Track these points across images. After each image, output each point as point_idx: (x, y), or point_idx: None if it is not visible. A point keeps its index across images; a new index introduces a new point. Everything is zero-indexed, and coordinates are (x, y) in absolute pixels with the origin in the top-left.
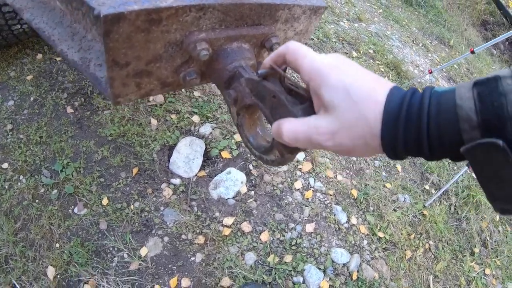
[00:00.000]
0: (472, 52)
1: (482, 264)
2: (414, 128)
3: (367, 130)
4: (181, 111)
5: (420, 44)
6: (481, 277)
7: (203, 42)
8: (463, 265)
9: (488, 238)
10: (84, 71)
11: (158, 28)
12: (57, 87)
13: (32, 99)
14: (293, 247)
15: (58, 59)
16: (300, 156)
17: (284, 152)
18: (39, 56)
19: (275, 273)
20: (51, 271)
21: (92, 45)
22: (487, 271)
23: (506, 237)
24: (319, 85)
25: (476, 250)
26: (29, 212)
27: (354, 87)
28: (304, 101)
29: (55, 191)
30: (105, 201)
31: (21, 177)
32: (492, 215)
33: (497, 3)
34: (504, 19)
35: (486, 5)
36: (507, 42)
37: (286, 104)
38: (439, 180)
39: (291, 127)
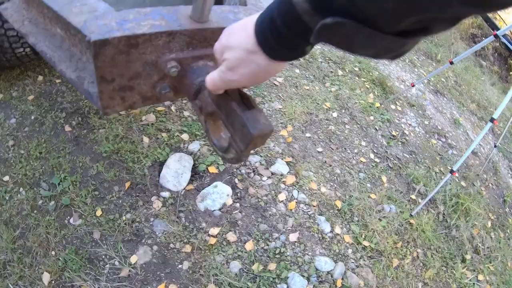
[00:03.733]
0: (451, 63)
1: (474, 270)
2: (276, 26)
3: (248, 45)
4: (171, 129)
5: (407, 60)
6: (474, 283)
7: (172, 61)
8: (455, 272)
9: (480, 244)
10: (79, 87)
11: (136, 51)
12: (56, 107)
13: (33, 117)
14: (277, 256)
15: (57, 81)
16: (284, 170)
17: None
18: (40, 78)
19: (260, 281)
20: (46, 277)
21: (86, 66)
22: (480, 277)
23: (499, 242)
24: (217, 55)
25: (468, 256)
26: (28, 221)
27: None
28: (253, 107)
29: (52, 202)
30: (99, 213)
31: (21, 189)
32: (483, 222)
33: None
34: (492, 31)
35: (474, 18)
36: (496, 53)
37: (236, 109)
38: (426, 190)
39: (209, 77)
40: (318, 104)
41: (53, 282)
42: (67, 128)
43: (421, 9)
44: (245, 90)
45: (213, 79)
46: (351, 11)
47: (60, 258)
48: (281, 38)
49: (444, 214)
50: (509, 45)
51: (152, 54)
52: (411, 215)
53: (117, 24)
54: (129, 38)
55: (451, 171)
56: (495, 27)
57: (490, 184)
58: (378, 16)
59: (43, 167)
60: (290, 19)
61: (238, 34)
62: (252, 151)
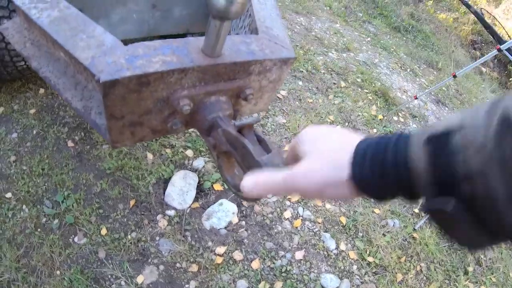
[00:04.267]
0: (454, 76)
1: (477, 282)
2: (378, 173)
3: (337, 170)
4: (175, 145)
5: (408, 70)
6: None
7: (185, 98)
8: (457, 285)
9: (482, 256)
10: (86, 118)
11: (147, 89)
12: (59, 122)
13: (34, 132)
14: (283, 274)
15: None
16: None
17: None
18: (42, 90)
19: None
20: None
21: (92, 94)
22: None
23: (501, 253)
24: (298, 145)
25: (470, 269)
26: (31, 240)
27: (324, 142)
28: (269, 150)
29: (56, 221)
30: (103, 231)
31: (24, 206)
32: None
33: (483, 22)
34: (492, 37)
35: (474, 25)
36: (495, 60)
37: (252, 154)
38: None
39: (270, 177)
40: (322, 117)
41: None
42: (70, 143)
43: None
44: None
45: (275, 180)
46: (471, 205)
47: (65, 278)
48: (384, 188)
49: None
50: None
51: (164, 91)
52: (414, 229)
53: (127, 61)
54: (140, 77)
55: None
56: (494, 34)
57: None
58: (493, 219)
59: (46, 184)
60: (403, 179)
61: (330, 165)
62: None
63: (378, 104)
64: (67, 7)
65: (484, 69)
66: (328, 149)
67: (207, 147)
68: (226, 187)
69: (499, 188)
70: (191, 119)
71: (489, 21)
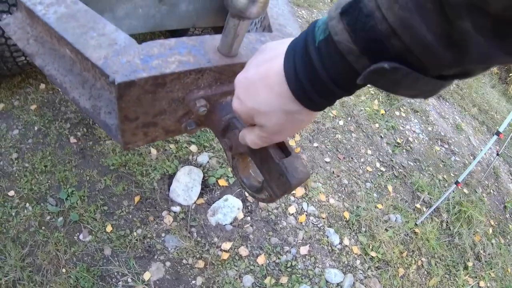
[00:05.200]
0: None
1: (476, 277)
2: (310, 69)
3: (282, 103)
4: (179, 141)
5: None
6: None
7: (201, 99)
8: (457, 279)
9: (481, 251)
10: (95, 118)
11: (163, 90)
12: (60, 117)
13: (36, 128)
14: (289, 269)
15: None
16: None
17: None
18: (42, 86)
19: None
20: None
21: (101, 93)
22: (482, 283)
23: (500, 249)
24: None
25: (470, 264)
26: (36, 238)
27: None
28: (288, 153)
29: (61, 218)
30: (109, 228)
31: (27, 204)
32: (484, 229)
33: None
34: None
35: None
36: None
37: (273, 156)
38: (430, 198)
39: (248, 138)
40: (325, 112)
41: None
42: (72, 139)
43: (478, 61)
44: None
45: (253, 141)
46: (407, 58)
47: (71, 276)
48: (324, 90)
49: (447, 222)
50: None
51: (180, 91)
52: (416, 224)
53: (142, 61)
54: (156, 78)
55: (456, 182)
56: None
57: (491, 191)
58: (432, 65)
59: (49, 181)
60: (338, 65)
61: (264, 94)
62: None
63: (380, 99)
64: (74, 2)
65: None
66: (264, 104)
67: (222, 148)
68: (231, 182)
69: (425, 33)
70: (206, 120)
71: None
